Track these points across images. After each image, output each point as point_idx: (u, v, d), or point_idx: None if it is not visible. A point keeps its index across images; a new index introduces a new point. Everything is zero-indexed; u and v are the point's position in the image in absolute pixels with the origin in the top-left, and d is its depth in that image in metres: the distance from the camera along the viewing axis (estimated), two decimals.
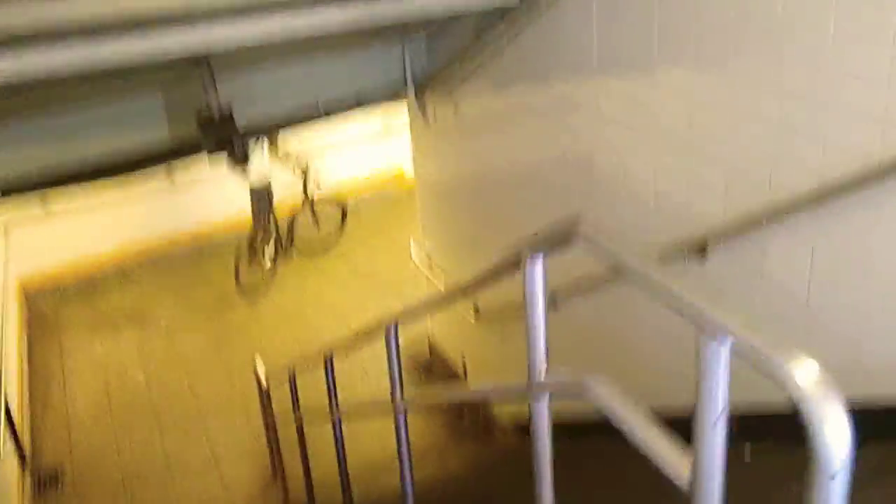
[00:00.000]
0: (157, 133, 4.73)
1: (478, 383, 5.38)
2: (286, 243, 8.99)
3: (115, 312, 8.37)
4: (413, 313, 2.94)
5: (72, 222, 8.50)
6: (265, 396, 5.53)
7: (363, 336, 3.58)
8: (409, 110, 6.14)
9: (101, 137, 4.60)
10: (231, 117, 4.32)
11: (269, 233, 8.70)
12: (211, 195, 9.24)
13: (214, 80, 4.28)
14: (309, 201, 8.92)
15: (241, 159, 4.32)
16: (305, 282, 8.71)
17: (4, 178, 4.39)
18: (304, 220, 8.99)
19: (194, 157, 4.60)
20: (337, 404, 3.95)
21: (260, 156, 8.08)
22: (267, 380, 5.46)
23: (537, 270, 1.67)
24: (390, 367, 2.82)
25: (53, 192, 4.77)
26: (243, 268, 8.46)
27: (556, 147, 4.34)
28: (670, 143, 3.44)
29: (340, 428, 4.04)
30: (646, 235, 3.77)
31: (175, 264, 9.14)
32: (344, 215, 9.30)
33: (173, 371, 7.30)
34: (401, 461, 2.92)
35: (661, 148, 3.51)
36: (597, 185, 4.04)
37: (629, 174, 3.78)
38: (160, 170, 4.92)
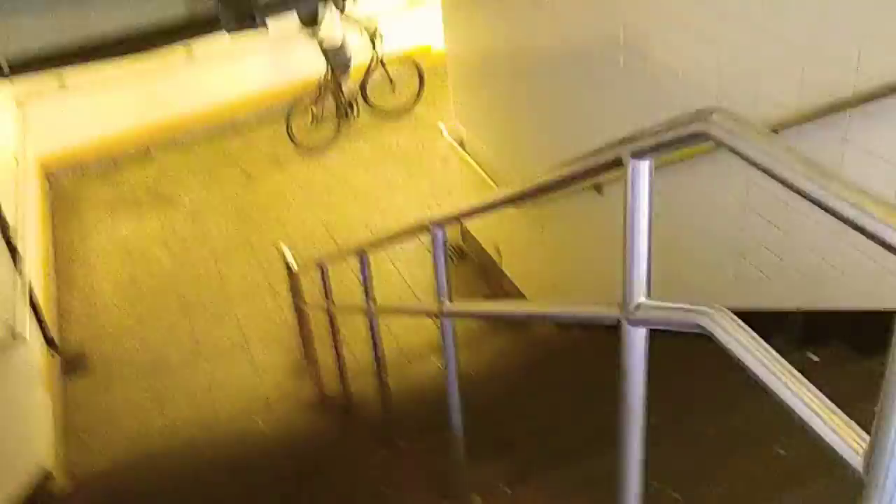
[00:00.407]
0: (171, 6, 4.35)
1: (544, 300, 5.09)
2: (355, 104, 8.86)
3: (138, 192, 8.15)
4: (464, 214, 2.62)
5: (88, 98, 8.16)
6: (295, 283, 5.33)
7: (405, 235, 3.26)
8: None
9: (114, 11, 4.24)
10: None
11: (339, 93, 8.60)
12: (232, 70, 8.84)
13: None
14: (379, 61, 8.72)
15: (307, 21, 3.96)
16: (332, 161, 8.39)
17: (14, 53, 4.07)
18: (376, 82, 8.85)
19: (214, 34, 4.23)
20: (372, 300, 3.71)
21: (330, 17, 7.87)
22: (296, 268, 5.24)
23: (642, 177, 1.34)
24: (437, 273, 2.51)
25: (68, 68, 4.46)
26: (300, 128, 8.43)
27: (608, 23, 3.93)
28: (739, 19, 3.05)
29: (375, 325, 3.80)
30: None
31: (196, 142, 8.85)
32: (421, 78, 9.02)
33: (198, 253, 7.13)
34: (448, 371, 2.67)
35: (729, 25, 3.11)
36: (650, 70, 3.66)
37: (688, 55, 3.40)
38: (178, 44, 4.55)
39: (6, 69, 4.02)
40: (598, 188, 4.45)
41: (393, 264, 6.72)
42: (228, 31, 3.90)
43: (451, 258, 6.76)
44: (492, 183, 5.72)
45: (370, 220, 7.29)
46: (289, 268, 5.41)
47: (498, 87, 5.50)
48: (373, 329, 4.01)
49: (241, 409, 5.48)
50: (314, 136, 8.57)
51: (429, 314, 3.25)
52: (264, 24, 3.95)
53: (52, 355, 5.82)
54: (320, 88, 8.44)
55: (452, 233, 6.91)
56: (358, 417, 4.84)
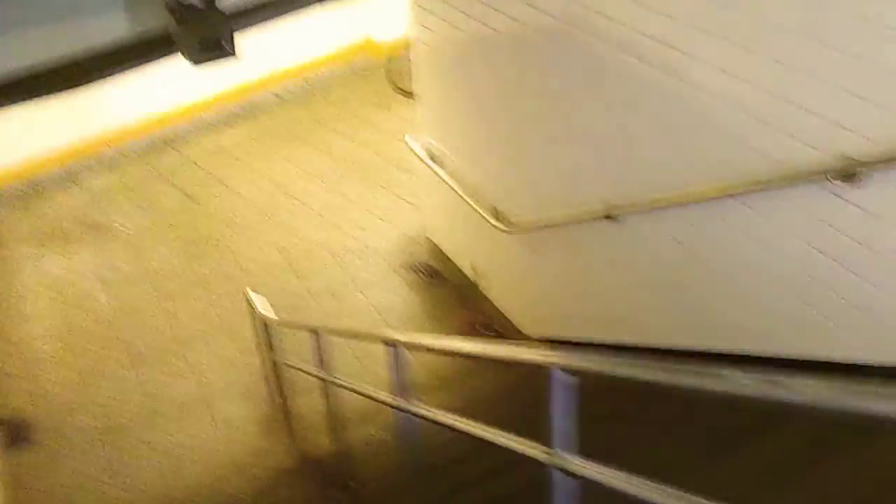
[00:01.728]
0: (117, 27, 3.71)
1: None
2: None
3: (66, 222, 7.37)
4: (427, 348, 2.14)
5: (5, 116, 7.33)
6: (270, 335, 4.71)
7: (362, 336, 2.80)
8: None
9: (42, 35, 3.59)
10: (214, 6, 3.34)
11: None
12: (165, 81, 8.08)
13: None
14: None
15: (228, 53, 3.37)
16: (272, 171, 7.73)
17: None
18: None
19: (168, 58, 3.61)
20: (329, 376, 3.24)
21: None
22: (271, 318, 4.63)
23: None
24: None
25: None
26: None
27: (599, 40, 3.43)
28: (793, 23, 2.59)
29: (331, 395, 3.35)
30: (750, 156, 2.97)
31: (127, 160, 8.08)
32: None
33: (141, 290, 6.45)
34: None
35: (777, 29, 2.65)
36: (683, 86, 3.19)
37: (726, 71, 2.93)
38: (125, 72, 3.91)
39: None
40: (611, 216, 3.98)
41: (363, 293, 6.17)
42: (193, 61, 3.28)
43: (423, 277, 6.25)
44: (470, 202, 5.20)
45: (331, 243, 6.70)
46: (258, 319, 4.81)
47: (477, 98, 4.97)
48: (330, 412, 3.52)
49: (209, 475, 4.90)
50: None
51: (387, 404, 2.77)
52: (233, 52, 3.34)
53: None
54: None
55: (417, 247, 6.41)
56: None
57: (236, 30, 3.48)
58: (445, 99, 5.42)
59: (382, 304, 6.06)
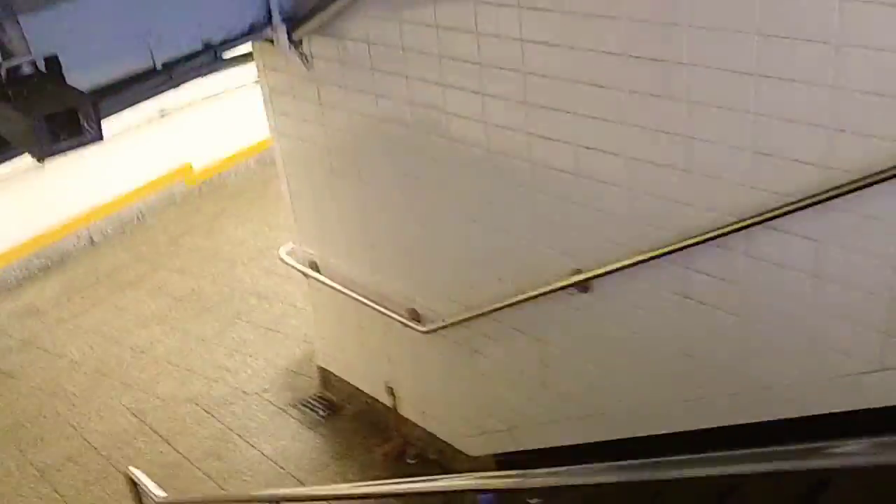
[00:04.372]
0: None
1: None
2: None
3: None
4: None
5: None
6: None
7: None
8: (262, 60, 4.33)
9: None
10: (60, 73, 2.41)
11: None
12: None
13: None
14: None
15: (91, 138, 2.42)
16: (101, 325, 6.47)
17: None
18: None
19: None
20: None
21: None
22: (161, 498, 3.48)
23: None
24: None
25: None
26: None
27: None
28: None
29: None
30: None
31: None
32: None
33: None
34: None
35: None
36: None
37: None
38: None
39: None
40: (581, 285, 3.30)
41: (253, 446, 5.06)
42: (40, 154, 2.30)
43: (316, 414, 5.25)
44: (379, 308, 4.37)
45: (196, 395, 5.54)
46: (141, 498, 3.64)
47: (361, 197, 4.23)
48: None
49: None
50: None
51: None
52: (99, 135, 2.38)
53: None
54: None
55: (305, 378, 5.44)
56: None
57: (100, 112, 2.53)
58: (322, 204, 4.63)
59: (280, 453, 4.97)
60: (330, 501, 3.45)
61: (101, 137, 2.48)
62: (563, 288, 3.34)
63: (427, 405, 4.66)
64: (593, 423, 3.66)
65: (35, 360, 6.13)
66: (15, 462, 5.16)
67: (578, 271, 3.28)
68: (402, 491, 2.00)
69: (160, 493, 3.48)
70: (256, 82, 4.56)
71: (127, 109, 3.36)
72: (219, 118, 8.31)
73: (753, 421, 3.00)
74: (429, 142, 3.63)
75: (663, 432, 3.37)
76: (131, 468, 3.73)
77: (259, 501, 2.72)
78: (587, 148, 3.02)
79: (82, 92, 2.51)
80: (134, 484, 3.63)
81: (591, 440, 3.70)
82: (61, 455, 5.16)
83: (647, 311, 3.16)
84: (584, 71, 2.87)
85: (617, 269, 3.08)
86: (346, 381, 5.20)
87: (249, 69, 4.37)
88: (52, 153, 2.39)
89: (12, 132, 2.46)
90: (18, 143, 2.51)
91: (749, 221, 2.56)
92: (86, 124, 2.40)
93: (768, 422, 2.92)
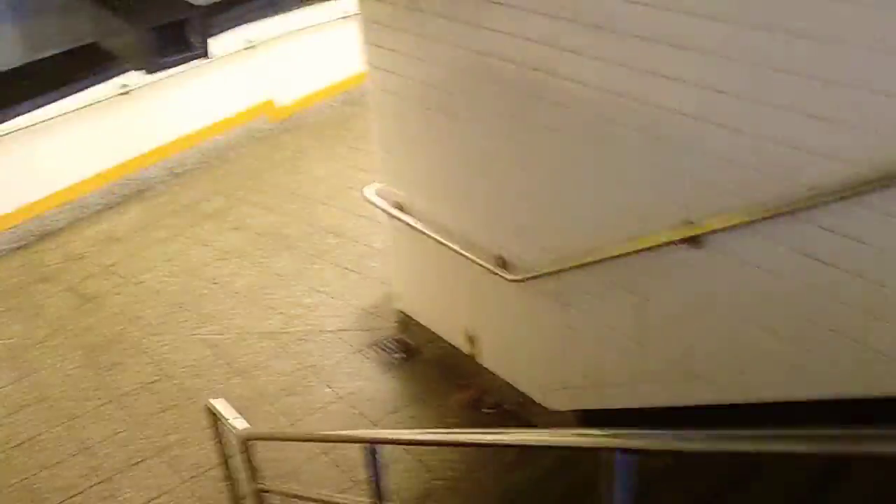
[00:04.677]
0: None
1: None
2: None
3: None
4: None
5: None
6: (244, 454, 3.48)
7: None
8: None
9: None
10: None
11: None
12: (32, 155, 6.77)
13: None
14: None
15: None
16: (180, 255, 6.47)
17: None
18: None
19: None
20: None
21: None
22: (243, 431, 3.41)
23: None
24: None
25: None
26: None
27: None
28: None
29: None
30: None
31: None
32: None
33: (36, 417, 5.00)
34: None
35: None
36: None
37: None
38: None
39: None
40: (693, 240, 3.08)
41: (328, 385, 4.99)
42: (149, 67, 2.18)
43: (393, 357, 5.15)
44: (465, 253, 4.22)
45: (273, 330, 5.50)
46: (219, 429, 3.59)
47: (457, 137, 4.05)
48: None
49: None
50: None
51: None
52: (204, 52, 2.26)
53: None
54: None
55: (382, 323, 5.33)
56: None
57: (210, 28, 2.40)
58: (412, 143, 4.47)
59: (354, 394, 4.90)
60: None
61: (207, 54, 2.36)
62: (672, 242, 3.14)
63: (508, 355, 4.52)
64: (691, 385, 3.46)
65: (114, 287, 6.16)
66: (92, 385, 5.20)
67: (690, 224, 3.07)
68: (523, 442, 1.87)
69: (241, 424, 3.41)
70: (345, 17, 4.39)
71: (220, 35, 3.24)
72: (305, 53, 8.18)
73: (870, 395, 2.78)
74: (538, 81, 3.43)
75: (766, 400, 3.17)
76: (211, 399, 3.66)
77: (352, 441, 2.63)
78: (713, 90, 2.79)
79: (192, 4, 2.37)
80: (213, 415, 3.56)
81: (686, 403, 3.51)
82: (137, 381, 5.18)
83: (765, 270, 2.93)
84: (715, 4, 2.63)
85: (739, 225, 2.87)
86: (424, 326, 5.09)
87: (340, 3, 4.21)
88: (159, 67, 2.28)
89: (118, 45, 2.34)
90: (124, 57, 2.39)
91: None
92: (193, 39, 2.28)
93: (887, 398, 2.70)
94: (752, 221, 2.84)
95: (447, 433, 3.08)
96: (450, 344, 4.90)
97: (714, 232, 3.00)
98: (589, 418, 4.16)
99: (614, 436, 1.48)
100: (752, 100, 2.66)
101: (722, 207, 2.93)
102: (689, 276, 3.22)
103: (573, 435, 1.72)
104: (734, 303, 3.10)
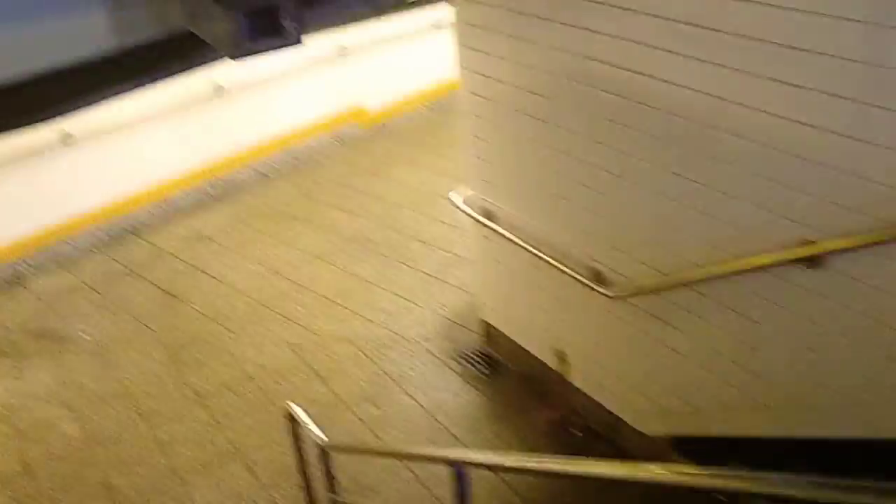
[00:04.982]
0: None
1: None
2: None
3: (13, 333, 5.91)
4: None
5: None
6: (322, 464, 3.37)
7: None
8: None
9: None
10: None
11: None
12: (125, 152, 6.87)
13: None
14: None
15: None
16: (266, 256, 6.44)
17: None
18: None
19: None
20: None
21: None
22: (324, 441, 3.29)
23: None
24: None
25: None
26: None
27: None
28: None
29: None
30: None
31: (84, 254, 6.72)
32: None
33: (118, 412, 5.02)
34: None
35: None
36: None
37: None
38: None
39: None
40: (811, 260, 2.83)
41: (409, 395, 4.87)
42: (235, 52, 2.08)
43: (477, 370, 4.98)
44: (559, 265, 4.03)
45: (355, 335, 5.40)
46: (298, 434, 3.48)
47: (551, 145, 3.86)
48: None
49: None
50: None
51: None
52: (298, 38, 2.15)
53: None
54: None
55: (466, 335, 5.18)
56: None
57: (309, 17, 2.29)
58: (504, 149, 4.31)
59: (436, 406, 4.75)
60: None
61: (299, 41, 2.25)
62: (788, 262, 2.90)
63: (601, 374, 4.30)
64: (800, 416, 3.20)
65: (200, 285, 6.17)
66: (174, 383, 5.19)
67: (809, 242, 2.83)
68: (640, 479, 1.62)
69: (323, 436, 3.29)
70: (437, 27, 4.28)
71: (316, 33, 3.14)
72: (396, 61, 8.15)
73: None
74: (642, 85, 3.23)
75: (885, 437, 2.90)
76: (292, 404, 3.55)
77: (439, 461, 2.44)
78: (840, 98, 2.54)
79: None
80: (293, 419, 3.46)
81: (794, 435, 3.25)
82: (219, 381, 5.15)
83: (893, 294, 2.67)
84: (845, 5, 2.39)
85: (865, 245, 2.62)
86: (510, 339, 4.91)
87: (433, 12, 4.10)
88: (251, 52, 2.17)
89: (211, 31, 2.25)
90: (216, 43, 2.30)
91: None
92: (286, 25, 2.17)
93: None
94: (881, 242, 2.58)
95: (542, 460, 2.85)
96: (537, 359, 4.71)
97: (836, 252, 2.75)
98: (676, 442, 3.93)
99: (753, 479, 1.25)
100: (885, 109, 2.42)
101: (846, 226, 2.69)
102: (806, 299, 2.97)
103: (709, 476, 1.43)
104: (856, 330, 2.84)
